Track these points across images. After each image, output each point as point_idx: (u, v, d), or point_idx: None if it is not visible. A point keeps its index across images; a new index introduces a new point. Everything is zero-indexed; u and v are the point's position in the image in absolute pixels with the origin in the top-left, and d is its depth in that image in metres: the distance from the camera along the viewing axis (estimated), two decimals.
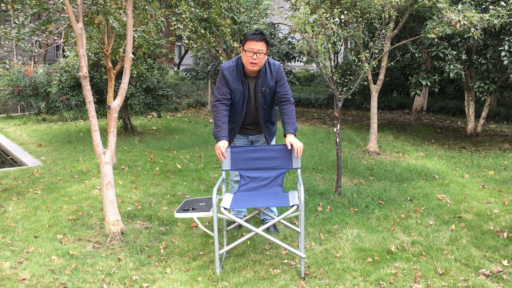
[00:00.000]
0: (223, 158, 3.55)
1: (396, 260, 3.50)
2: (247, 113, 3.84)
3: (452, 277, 3.22)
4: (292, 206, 3.19)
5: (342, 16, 7.33)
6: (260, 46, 3.53)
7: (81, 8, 3.76)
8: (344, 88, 5.84)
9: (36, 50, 17.48)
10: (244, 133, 3.95)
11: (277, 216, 4.09)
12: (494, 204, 4.79)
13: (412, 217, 4.45)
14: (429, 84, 8.00)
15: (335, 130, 5.13)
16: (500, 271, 3.28)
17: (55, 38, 17.19)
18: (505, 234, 3.91)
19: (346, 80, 9.94)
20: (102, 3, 5.17)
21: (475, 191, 5.26)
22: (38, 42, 18.35)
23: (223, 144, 3.54)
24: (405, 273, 3.29)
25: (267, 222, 4.14)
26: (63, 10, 5.47)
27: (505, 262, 3.43)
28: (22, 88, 11.83)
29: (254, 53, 3.53)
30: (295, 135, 3.64)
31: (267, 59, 3.73)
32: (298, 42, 6.03)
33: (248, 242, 3.85)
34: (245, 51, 3.56)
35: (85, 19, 5.46)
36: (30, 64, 16.33)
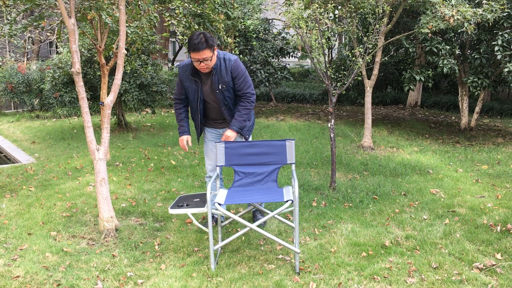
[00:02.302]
0: (187, 148, 3.87)
1: (391, 254, 3.52)
2: (207, 110, 3.84)
3: (446, 271, 3.24)
4: (287, 201, 3.19)
5: (336, 11, 7.32)
6: (203, 55, 3.44)
7: (73, 3, 3.73)
8: (339, 84, 5.85)
9: (29, 47, 17.37)
10: (213, 126, 3.93)
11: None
12: (488, 198, 4.82)
13: (406, 211, 4.47)
14: (423, 79, 8.02)
15: (329, 125, 5.13)
16: (494, 265, 3.30)
17: (48, 34, 17.08)
18: (499, 228, 3.93)
19: (340, 76, 9.94)
20: None
21: (468, 185, 5.29)
22: (31, 39, 18.22)
23: (182, 139, 3.86)
24: (399, 267, 3.30)
25: (257, 218, 4.14)
26: (55, 6, 5.44)
27: (498, 256, 3.45)
28: (15, 85, 11.75)
29: (200, 61, 3.49)
30: (238, 133, 3.69)
31: (224, 54, 3.63)
32: (292, 37, 6.02)
33: (243, 237, 3.85)
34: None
35: (78, 15, 5.43)
36: (23, 61, 16.22)
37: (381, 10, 6.26)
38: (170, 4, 6.78)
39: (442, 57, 7.51)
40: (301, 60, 17.12)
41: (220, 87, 3.64)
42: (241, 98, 3.73)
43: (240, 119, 3.67)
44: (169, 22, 7.30)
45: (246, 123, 3.72)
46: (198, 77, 3.67)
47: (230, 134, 3.67)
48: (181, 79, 3.74)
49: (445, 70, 7.45)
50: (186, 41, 7.98)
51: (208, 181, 3.99)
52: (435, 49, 7.51)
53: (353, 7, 6.45)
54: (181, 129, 3.87)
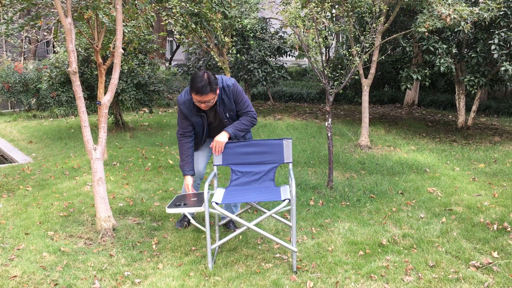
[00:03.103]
0: (190, 191, 3.68)
1: (388, 253, 3.53)
2: (210, 132, 3.82)
3: (442, 269, 3.25)
4: (284, 200, 3.19)
5: (333, 10, 7.33)
6: (206, 98, 3.41)
7: (69, 3, 3.73)
8: (336, 83, 5.86)
9: (25, 46, 17.32)
10: (211, 137, 3.90)
11: (236, 212, 4.05)
12: (484, 196, 4.84)
13: (403, 210, 4.48)
14: (420, 78, 8.04)
15: (326, 124, 5.14)
16: (490, 263, 3.31)
17: (45, 33, 17.05)
18: (495, 226, 3.95)
19: (337, 75, 9.96)
20: None
21: (465, 184, 5.30)
22: (28, 38, 18.18)
23: (190, 182, 3.68)
24: (396, 265, 3.31)
25: (224, 219, 4.09)
26: (52, 5, 5.43)
27: (495, 254, 3.46)
28: (12, 85, 11.72)
29: (202, 102, 3.46)
30: (230, 137, 3.62)
31: (222, 82, 3.58)
32: (289, 36, 6.03)
33: (240, 236, 3.85)
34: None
35: (75, 14, 5.42)
36: (20, 60, 16.18)
37: (378, 9, 6.26)
38: (167, 3, 6.77)
39: (439, 56, 7.53)
40: (298, 59, 17.12)
41: (227, 116, 3.66)
42: (242, 115, 3.72)
43: (239, 127, 3.64)
44: (166, 21, 7.29)
45: (241, 134, 3.69)
46: (203, 111, 3.64)
47: (221, 138, 3.59)
48: (186, 115, 3.64)
49: (442, 69, 7.46)
50: (183, 40, 7.96)
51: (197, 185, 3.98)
52: (432, 48, 7.52)
53: (350, 6, 6.46)
54: (187, 167, 3.70)
